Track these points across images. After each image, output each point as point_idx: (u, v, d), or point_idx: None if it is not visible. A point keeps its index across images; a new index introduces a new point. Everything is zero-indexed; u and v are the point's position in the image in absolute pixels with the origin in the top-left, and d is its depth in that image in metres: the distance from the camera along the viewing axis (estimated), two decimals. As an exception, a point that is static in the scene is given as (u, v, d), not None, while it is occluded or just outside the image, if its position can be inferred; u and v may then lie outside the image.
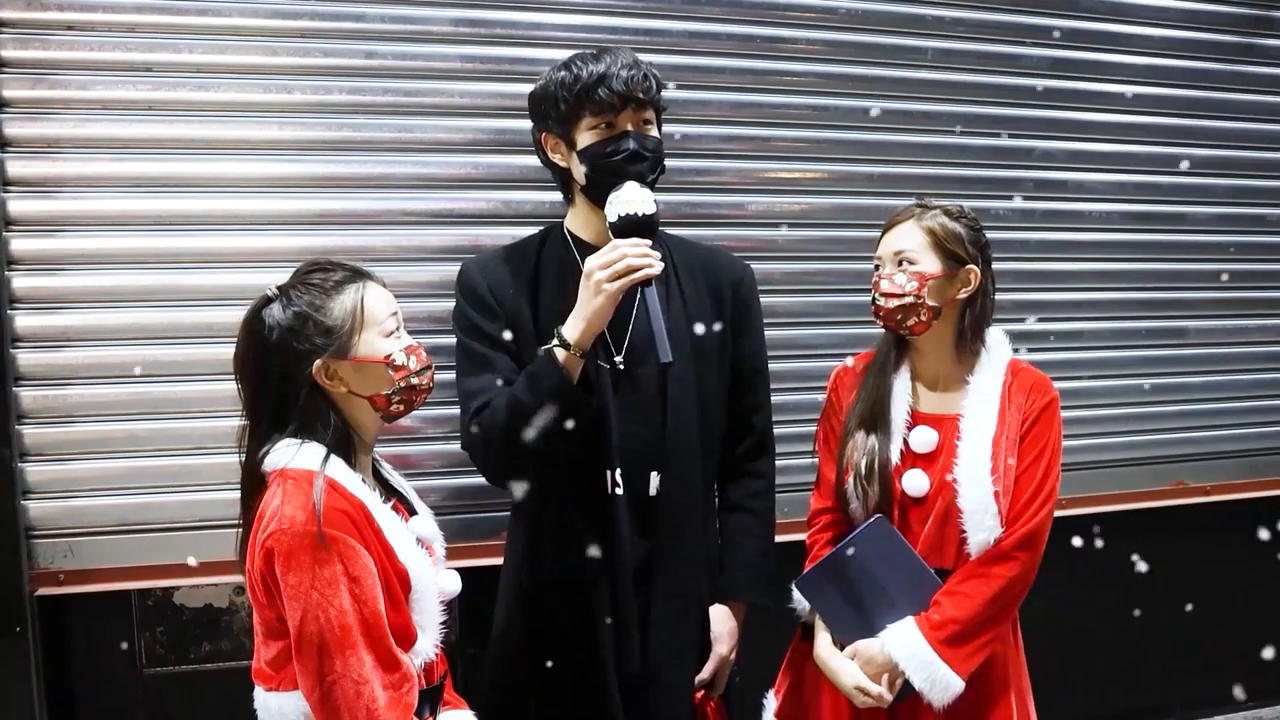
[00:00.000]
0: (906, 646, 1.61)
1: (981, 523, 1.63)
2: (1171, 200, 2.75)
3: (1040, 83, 2.61)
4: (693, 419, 1.72)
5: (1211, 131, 2.77)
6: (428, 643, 1.43)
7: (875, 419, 1.72)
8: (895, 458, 1.70)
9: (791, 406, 2.37)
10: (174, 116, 2.08)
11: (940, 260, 1.66)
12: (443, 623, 1.47)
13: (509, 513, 1.84)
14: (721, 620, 1.81)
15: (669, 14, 2.34)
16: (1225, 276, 2.80)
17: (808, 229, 2.47)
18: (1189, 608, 2.84)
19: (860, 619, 1.67)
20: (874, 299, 1.69)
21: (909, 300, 1.65)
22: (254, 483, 1.40)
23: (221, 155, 2.11)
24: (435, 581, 1.46)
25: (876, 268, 1.71)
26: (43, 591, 2.06)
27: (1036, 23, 2.61)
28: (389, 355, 1.41)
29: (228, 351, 2.02)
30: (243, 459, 1.43)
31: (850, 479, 1.71)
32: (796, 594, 1.76)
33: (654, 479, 1.69)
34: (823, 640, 1.72)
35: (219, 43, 2.09)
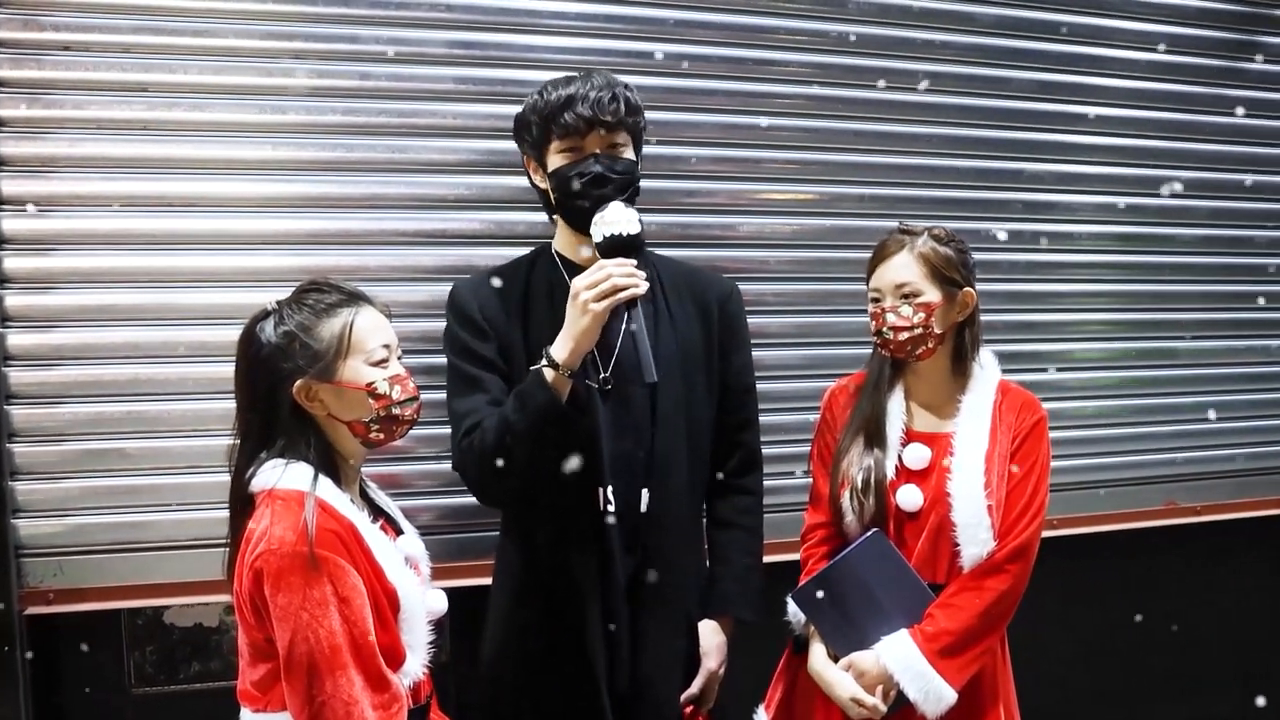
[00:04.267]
0: (901, 658, 1.63)
1: (975, 536, 1.65)
2: (1159, 222, 2.76)
3: (1029, 105, 2.63)
4: (681, 435, 1.73)
5: (1196, 154, 2.79)
6: (416, 662, 1.43)
7: (871, 436, 1.75)
8: (890, 473, 1.72)
9: (784, 427, 2.37)
10: (169, 136, 2.08)
11: (939, 288, 1.69)
12: (431, 642, 1.46)
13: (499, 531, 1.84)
14: (710, 635, 1.81)
15: (660, 37, 2.35)
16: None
17: (799, 250, 2.47)
18: (1180, 628, 2.84)
19: (855, 631, 1.69)
20: (881, 333, 1.71)
21: (918, 331, 1.68)
22: (241, 502, 1.40)
23: (216, 175, 2.11)
24: (423, 601, 1.46)
25: (875, 300, 1.73)
26: (32, 610, 2.04)
27: (1025, 47, 2.63)
28: (371, 383, 1.41)
29: (220, 370, 2.03)
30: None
31: (846, 493, 1.73)
32: (791, 606, 1.77)
33: (644, 495, 1.70)
34: (817, 652, 1.73)
35: (214, 63, 2.10)
